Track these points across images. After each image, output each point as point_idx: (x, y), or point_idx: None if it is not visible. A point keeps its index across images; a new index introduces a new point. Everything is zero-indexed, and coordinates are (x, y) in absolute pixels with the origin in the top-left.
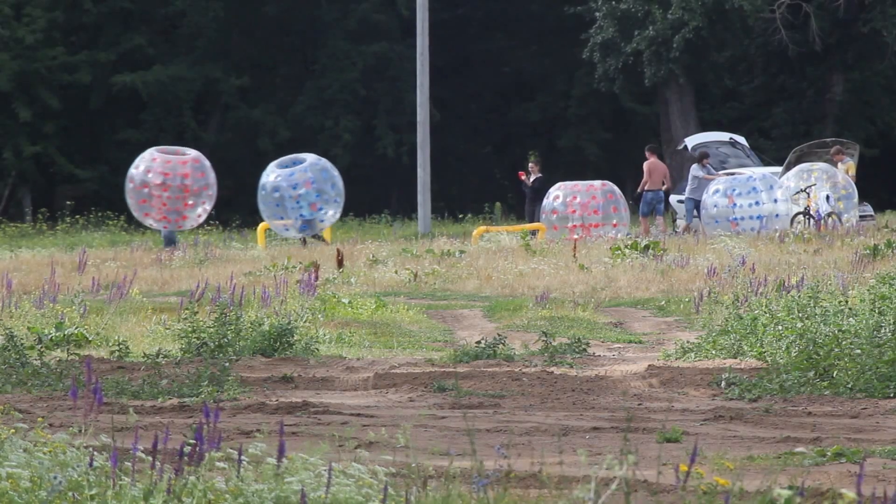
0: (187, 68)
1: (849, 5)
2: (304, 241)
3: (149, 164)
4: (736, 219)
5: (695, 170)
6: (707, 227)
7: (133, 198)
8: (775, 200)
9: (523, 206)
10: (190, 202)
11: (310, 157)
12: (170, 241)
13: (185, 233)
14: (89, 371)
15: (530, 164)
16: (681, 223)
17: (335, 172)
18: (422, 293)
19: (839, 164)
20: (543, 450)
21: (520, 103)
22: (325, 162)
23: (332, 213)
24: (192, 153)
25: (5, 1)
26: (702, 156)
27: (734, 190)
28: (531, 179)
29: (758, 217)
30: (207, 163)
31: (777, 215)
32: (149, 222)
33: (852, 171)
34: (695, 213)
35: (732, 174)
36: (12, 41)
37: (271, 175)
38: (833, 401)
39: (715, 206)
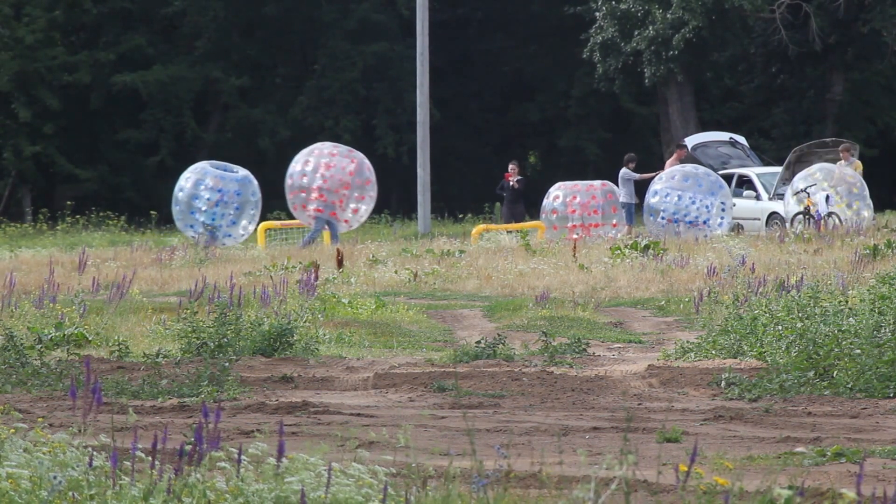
0: (187, 68)
1: (849, 5)
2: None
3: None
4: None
5: (625, 174)
6: (650, 228)
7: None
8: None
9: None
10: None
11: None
12: (312, 240)
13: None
14: (88, 371)
15: (511, 167)
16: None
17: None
18: (422, 293)
19: (846, 163)
20: (543, 450)
21: (520, 103)
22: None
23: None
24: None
25: (5, 1)
26: (629, 160)
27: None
28: (514, 181)
29: (703, 219)
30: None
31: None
32: (307, 215)
33: (860, 169)
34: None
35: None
36: (12, 41)
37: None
38: (833, 401)
39: (662, 205)
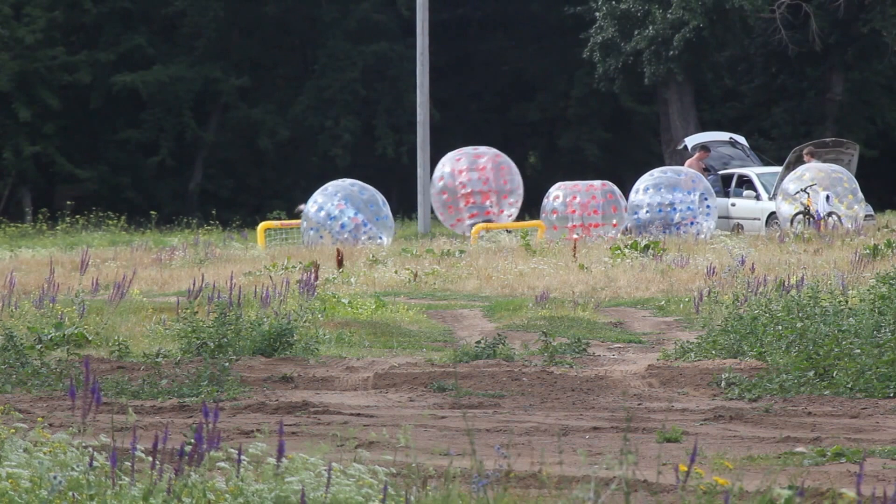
0: (187, 68)
1: (849, 5)
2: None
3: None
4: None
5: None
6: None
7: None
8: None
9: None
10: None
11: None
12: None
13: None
14: (88, 371)
15: None
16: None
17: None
18: (422, 293)
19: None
20: (543, 450)
21: (520, 103)
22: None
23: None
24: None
25: (5, 1)
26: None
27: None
28: None
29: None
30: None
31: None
32: (462, 223)
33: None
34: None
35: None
36: (12, 41)
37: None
38: (833, 401)
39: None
